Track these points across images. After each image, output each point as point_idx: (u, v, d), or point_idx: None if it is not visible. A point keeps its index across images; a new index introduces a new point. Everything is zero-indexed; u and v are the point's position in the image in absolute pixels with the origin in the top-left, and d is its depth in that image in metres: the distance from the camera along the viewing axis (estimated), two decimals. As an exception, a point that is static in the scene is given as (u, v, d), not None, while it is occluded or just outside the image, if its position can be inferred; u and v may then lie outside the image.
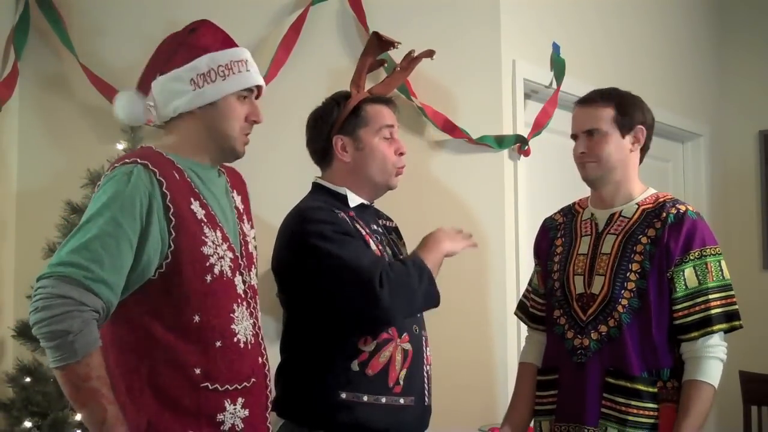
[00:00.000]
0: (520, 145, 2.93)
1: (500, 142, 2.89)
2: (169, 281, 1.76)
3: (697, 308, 2.10)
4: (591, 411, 2.12)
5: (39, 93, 3.08)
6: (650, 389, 2.10)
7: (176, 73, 1.87)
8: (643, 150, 2.26)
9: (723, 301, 2.11)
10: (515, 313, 2.53)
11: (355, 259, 1.97)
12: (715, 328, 2.09)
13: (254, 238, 2.02)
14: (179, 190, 1.79)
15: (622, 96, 2.23)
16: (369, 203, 2.23)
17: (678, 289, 2.11)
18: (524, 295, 2.46)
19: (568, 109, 2.36)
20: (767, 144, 4.23)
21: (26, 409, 2.68)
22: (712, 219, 3.71)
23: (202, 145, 1.90)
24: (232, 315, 1.82)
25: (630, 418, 2.09)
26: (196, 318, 1.77)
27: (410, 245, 2.32)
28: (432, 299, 2.05)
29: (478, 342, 2.87)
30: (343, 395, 2.01)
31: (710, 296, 2.10)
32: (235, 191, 2.00)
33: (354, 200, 2.16)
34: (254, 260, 1.98)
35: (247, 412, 1.83)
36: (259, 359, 1.90)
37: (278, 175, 2.80)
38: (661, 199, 2.21)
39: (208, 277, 1.79)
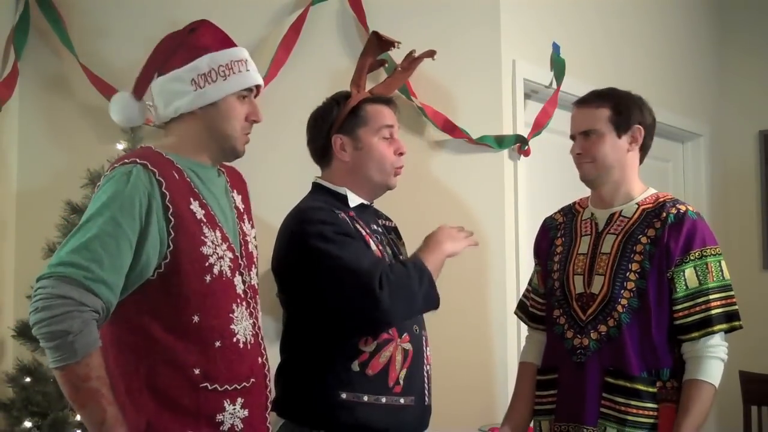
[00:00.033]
0: (520, 145, 2.93)
1: (500, 142, 2.89)
2: (168, 281, 1.75)
3: (697, 308, 2.10)
4: (590, 411, 2.12)
5: (39, 93, 3.08)
6: (650, 389, 2.10)
7: (176, 73, 1.87)
8: (644, 150, 2.26)
9: (723, 302, 2.11)
10: (515, 313, 2.53)
11: (355, 260, 1.96)
12: (715, 328, 2.09)
13: (254, 237, 2.02)
14: (179, 190, 1.79)
15: (618, 96, 2.23)
16: (369, 203, 2.23)
17: (678, 290, 2.11)
18: (524, 295, 2.46)
19: (568, 109, 2.36)
20: (767, 144, 4.23)
21: (26, 409, 2.68)
22: (712, 219, 3.71)
23: (203, 145, 1.90)
24: (231, 315, 1.82)
25: (629, 417, 2.09)
26: (195, 318, 1.77)
27: (410, 245, 2.32)
28: (432, 301, 2.05)
29: (478, 342, 2.87)
30: (344, 395, 2.01)
31: (711, 296, 2.10)
32: (235, 191, 2.00)
33: (354, 200, 2.16)
34: (254, 260, 1.97)
35: (246, 413, 1.83)
36: (259, 359, 1.89)
37: (278, 175, 2.80)
38: (661, 199, 2.21)
39: (208, 277, 1.78)
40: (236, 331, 1.83)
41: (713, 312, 2.09)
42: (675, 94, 3.88)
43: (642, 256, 2.13)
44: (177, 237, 1.75)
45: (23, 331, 2.71)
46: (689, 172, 4.14)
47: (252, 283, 1.93)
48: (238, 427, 1.81)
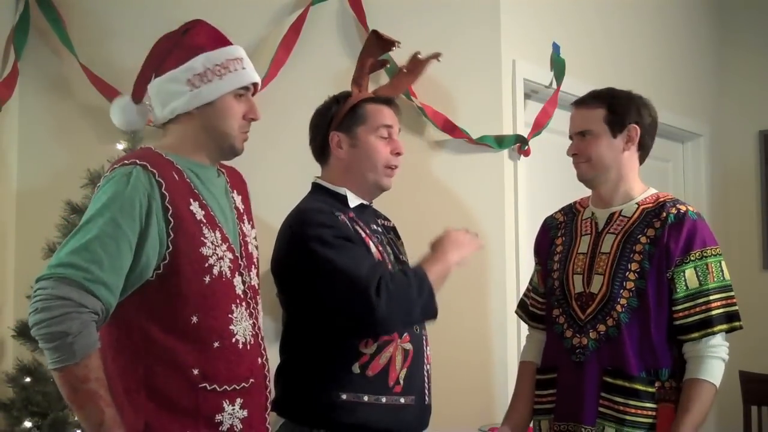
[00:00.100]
0: (520, 145, 2.93)
1: (500, 142, 2.89)
2: (167, 282, 1.75)
3: (697, 309, 2.10)
4: (589, 410, 2.12)
5: (39, 93, 3.08)
6: (648, 389, 2.10)
7: (172, 74, 1.87)
8: (643, 149, 2.26)
9: (724, 302, 2.11)
10: (516, 312, 2.54)
11: (353, 266, 1.96)
12: (715, 329, 2.09)
13: (255, 238, 2.02)
14: (178, 190, 1.79)
15: (614, 96, 2.23)
16: (368, 203, 2.23)
17: (678, 290, 2.11)
18: (525, 294, 2.47)
19: (568, 109, 2.36)
20: (767, 144, 4.23)
21: (26, 409, 2.68)
22: (712, 219, 3.70)
23: (201, 144, 1.90)
24: (230, 316, 1.82)
25: (628, 417, 2.09)
26: (194, 319, 1.77)
27: (410, 245, 2.32)
28: (430, 313, 2.04)
29: (477, 342, 2.87)
30: (344, 396, 2.01)
31: (711, 297, 2.10)
32: (235, 191, 2.00)
33: (354, 200, 2.15)
34: (254, 260, 1.97)
35: (245, 413, 1.83)
36: (259, 360, 1.89)
37: (278, 175, 2.80)
38: (662, 199, 2.21)
39: (207, 278, 1.78)
40: (236, 332, 1.82)
41: (714, 312, 2.09)
42: (675, 94, 3.88)
43: (641, 256, 2.13)
44: (176, 238, 1.75)
45: (23, 331, 2.71)
46: (689, 172, 4.14)
47: (252, 284, 1.93)
48: (237, 428, 1.81)
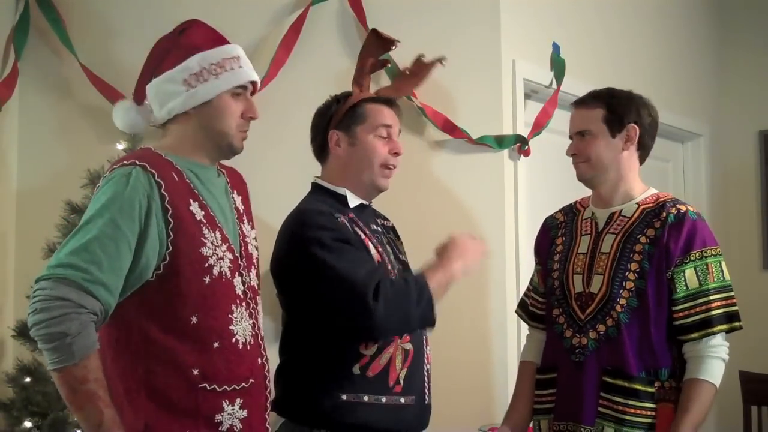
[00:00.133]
0: (520, 145, 2.93)
1: (500, 142, 2.89)
2: (167, 282, 1.75)
3: (697, 309, 2.10)
4: (588, 410, 2.12)
5: (39, 93, 3.08)
6: (648, 389, 2.10)
7: (169, 74, 1.87)
8: (643, 149, 2.25)
9: (724, 302, 2.11)
10: (516, 312, 2.54)
11: (351, 270, 1.95)
12: (715, 329, 2.09)
13: (255, 238, 2.01)
14: (178, 191, 1.79)
15: (613, 96, 2.23)
16: (368, 203, 2.23)
17: (678, 290, 2.11)
18: (525, 294, 2.47)
19: (568, 109, 2.36)
20: (767, 144, 4.23)
21: (26, 409, 2.68)
22: (712, 219, 3.70)
23: (200, 144, 1.90)
24: (230, 316, 1.82)
25: (627, 417, 2.09)
26: (194, 319, 1.77)
27: (410, 245, 2.32)
28: (428, 322, 2.04)
29: (477, 342, 2.87)
30: (344, 396, 2.01)
31: (711, 297, 2.10)
32: (235, 191, 2.00)
33: (353, 200, 2.15)
34: (254, 261, 1.97)
35: (245, 413, 1.83)
36: (259, 360, 1.89)
37: (278, 175, 2.80)
38: (662, 199, 2.21)
39: (207, 278, 1.78)
40: (235, 332, 1.82)
41: (714, 313, 2.09)
42: (675, 94, 3.88)
43: (641, 256, 2.13)
44: (176, 238, 1.75)
45: (23, 331, 2.71)
46: (689, 172, 4.14)
47: (252, 284, 1.92)
48: (237, 428, 1.81)
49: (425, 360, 2.15)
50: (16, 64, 3.00)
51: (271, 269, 2.11)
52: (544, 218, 2.44)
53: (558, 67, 3.09)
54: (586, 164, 2.23)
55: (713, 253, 2.13)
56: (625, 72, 3.42)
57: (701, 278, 2.10)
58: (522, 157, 2.97)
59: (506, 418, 2.34)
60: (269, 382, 1.94)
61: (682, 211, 2.15)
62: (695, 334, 2.10)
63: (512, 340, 2.89)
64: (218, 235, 1.83)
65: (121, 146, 2.78)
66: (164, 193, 1.75)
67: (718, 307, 2.10)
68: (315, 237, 1.99)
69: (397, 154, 2.17)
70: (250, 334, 1.87)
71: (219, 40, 1.92)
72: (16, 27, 3.01)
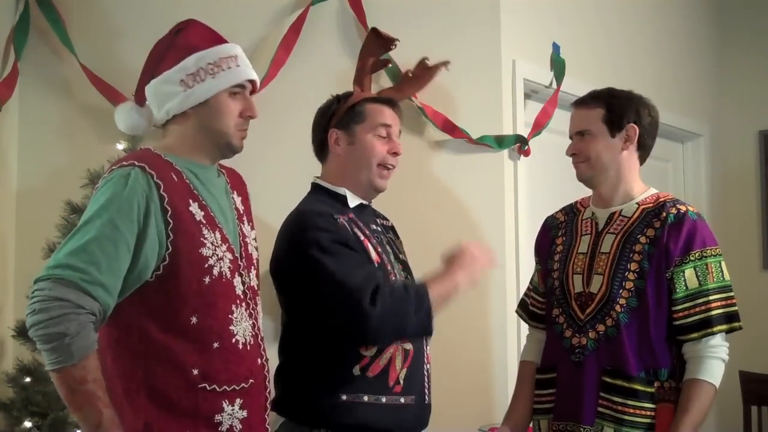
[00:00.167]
0: (520, 145, 2.94)
1: (500, 142, 2.89)
2: (167, 283, 1.75)
3: (697, 309, 2.10)
4: (588, 410, 2.12)
5: (39, 93, 3.07)
6: (647, 389, 2.10)
7: (166, 75, 1.87)
8: (643, 149, 2.25)
9: (723, 303, 2.11)
10: (516, 311, 2.54)
11: (349, 274, 1.95)
12: (715, 329, 2.09)
13: (254, 239, 2.01)
14: (177, 191, 1.79)
15: (613, 96, 2.23)
16: (368, 203, 2.22)
17: (678, 290, 2.11)
18: (525, 294, 2.47)
19: (568, 109, 2.36)
20: (767, 144, 4.22)
21: (26, 409, 2.68)
22: (712, 219, 3.70)
23: (199, 144, 1.90)
24: (230, 316, 1.82)
25: (627, 417, 2.09)
26: (194, 319, 1.77)
27: (410, 245, 2.32)
28: (424, 332, 2.05)
29: (477, 342, 2.87)
30: (344, 396, 2.01)
31: (711, 297, 2.10)
32: (235, 192, 2.00)
33: (353, 200, 2.15)
34: (254, 261, 1.97)
35: (245, 413, 1.83)
36: (259, 360, 1.89)
37: (278, 175, 2.80)
38: (662, 199, 2.21)
39: (207, 279, 1.78)
40: (235, 332, 1.82)
41: (713, 313, 2.09)
42: (675, 94, 3.88)
43: (641, 256, 2.13)
44: (176, 239, 1.75)
45: (23, 331, 2.70)
46: (689, 172, 4.14)
47: (252, 284, 1.92)
48: (236, 428, 1.81)
49: (425, 360, 2.15)
50: (16, 64, 2.99)
51: (271, 270, 2.11)
52: (544, 218, 2.44)
53: (558, 67, 3.09)
54: (585, 164, 2.23)
55: (713, 253, 2.13)
56: (625, 72, 3.42)
57: (701, 278, 2.10)
58: (522, 157, 2.97)
59: (506, 418, 2.34)
60: (269, 382, 1.94)
61: (682, 211, 2.15)
62: (695, 335, 2.10)
63: (512, 340, 2.89)
64: (218, 235, 1.83)
65: (121, 146, 2.78)
66: (163, 193, 1.75)
67: (718, 308, 2.10)
68: (313, 239, 1.99)
69: (395, 154, 2.17)
70: (250, 334, 1.87)
71: (216, 39, 1.92)
72: (16, 27, 3.01)
